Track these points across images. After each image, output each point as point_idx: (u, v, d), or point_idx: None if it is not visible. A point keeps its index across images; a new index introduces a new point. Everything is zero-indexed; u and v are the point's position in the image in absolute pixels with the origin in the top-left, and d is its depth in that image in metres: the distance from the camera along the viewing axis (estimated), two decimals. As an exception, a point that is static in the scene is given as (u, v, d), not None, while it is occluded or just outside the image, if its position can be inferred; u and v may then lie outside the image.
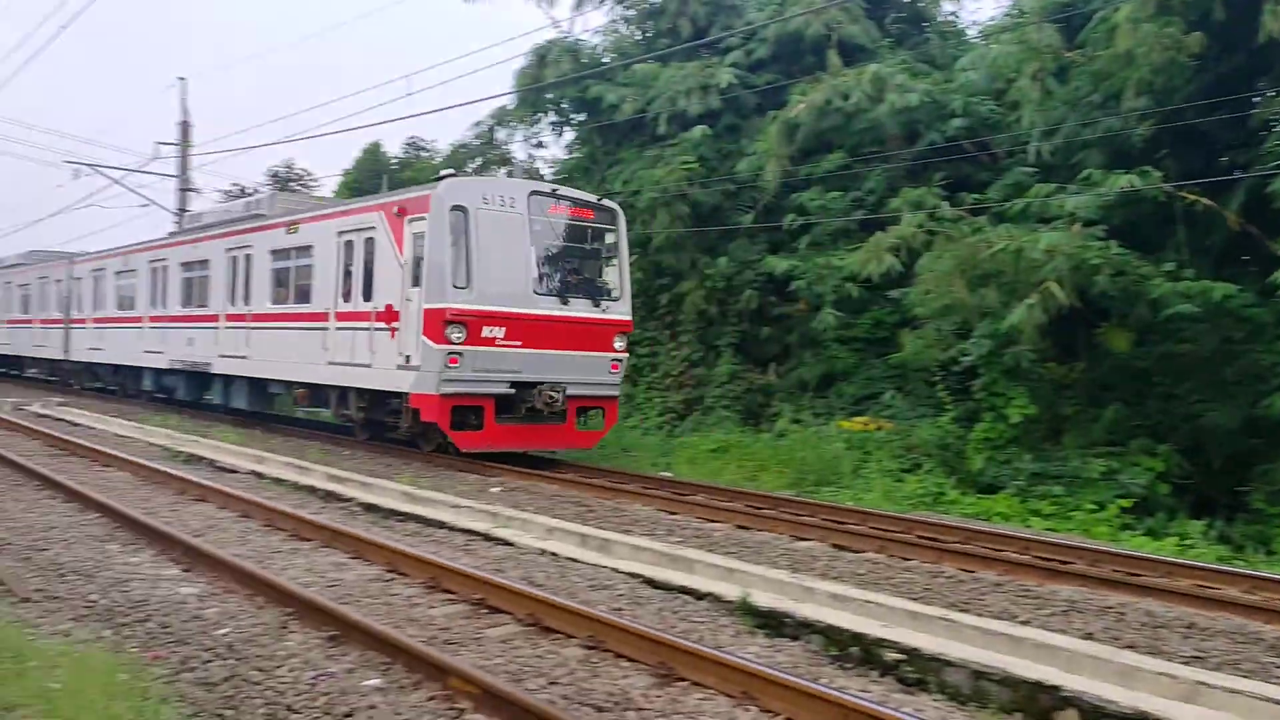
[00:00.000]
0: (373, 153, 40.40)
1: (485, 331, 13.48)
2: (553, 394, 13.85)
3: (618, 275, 15.07)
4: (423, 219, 13.82)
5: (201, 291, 20.49)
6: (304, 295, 16.76)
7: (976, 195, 15.21)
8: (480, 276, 13.55)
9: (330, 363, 15.73)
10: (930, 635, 6.24)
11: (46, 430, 17.62)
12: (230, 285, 19.11)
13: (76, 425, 19.50)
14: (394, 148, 41.66)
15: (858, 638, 6.24)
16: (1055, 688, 5.18)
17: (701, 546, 9.54)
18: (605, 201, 15.64)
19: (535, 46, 22.24)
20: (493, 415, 13.88)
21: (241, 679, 5.50)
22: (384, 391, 14.77)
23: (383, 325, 14.53)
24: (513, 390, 13.87)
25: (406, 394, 14.00)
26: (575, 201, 15.09)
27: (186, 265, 21.30)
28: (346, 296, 15.56)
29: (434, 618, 6.85)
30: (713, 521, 10.91)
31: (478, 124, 24.74)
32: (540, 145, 25.07)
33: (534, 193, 14.56)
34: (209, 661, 5.82)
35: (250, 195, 21.95)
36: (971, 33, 20.51)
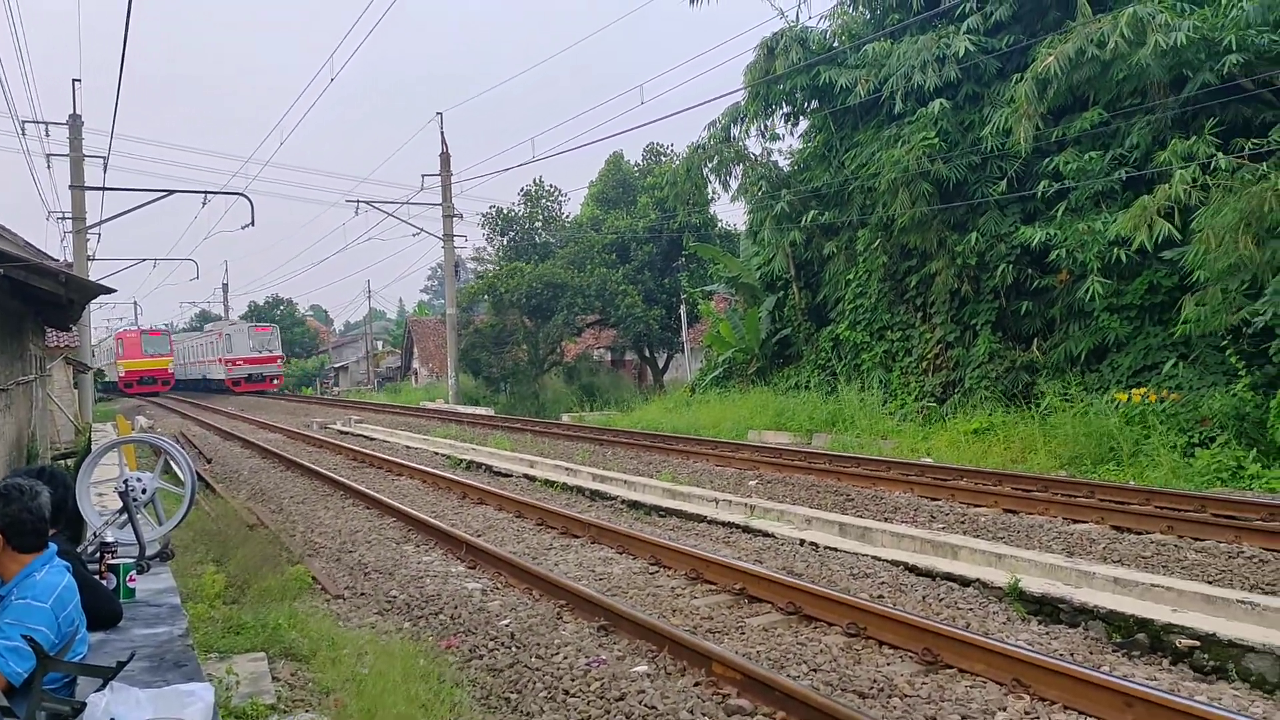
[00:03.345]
0: (615, 163, 41.78)
1: (239, 363, 53.73)
2: (258, 376, 54.27)
3: (277, 341, 56.51)
4: (216, 334, 57.05)
5: (193, 353, 61.67)
6: (211, 352, 57.41)
7: (1256, 141, 13.72)
8: (234, 349, 53.78)
9: (221, 372, 55.27)
10: (1228, 619, 5.75)
11: (348, 445, 19.50)
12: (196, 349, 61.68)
13: (372, 440, 21.42)
14: (634, 154, 42.90)
15: (1144, 624, 5.85)
16: (1379, 675, 4.65)
17: (966, 532, 9.24)
18: (270, 324, 59.72)
19: (763, 40, 22.22)
20: (245, 384, 53.63)
21: (523, 665, 5.91)
22: (220, 379, 54.91)
23: (219, 362, 55.19)
24: (248, 376, 53.85)
25: (223, 379, 54.15)
26: (261, 322, 59.85)
27: (192, 343, 63.06)
28: (214, 351, 56.47)
29: (697, 607, 7.04)
30: (977, 506, 10.52)
31: (712, 124, 24.98)
32: (775, 138, 24.95)
33: (250, 325, 56.96)
34: (494, 649, 6.29)
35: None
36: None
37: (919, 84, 18.62)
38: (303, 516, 11.79)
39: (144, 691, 2.89)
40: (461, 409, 30.27)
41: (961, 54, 18.36)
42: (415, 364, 56.82)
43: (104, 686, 3.00)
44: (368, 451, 18.19)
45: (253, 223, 27.75)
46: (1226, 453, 12.27)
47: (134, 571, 4.79)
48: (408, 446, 19.68)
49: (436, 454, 17.94)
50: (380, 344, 70.70)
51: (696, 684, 5.34)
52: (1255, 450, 12.25)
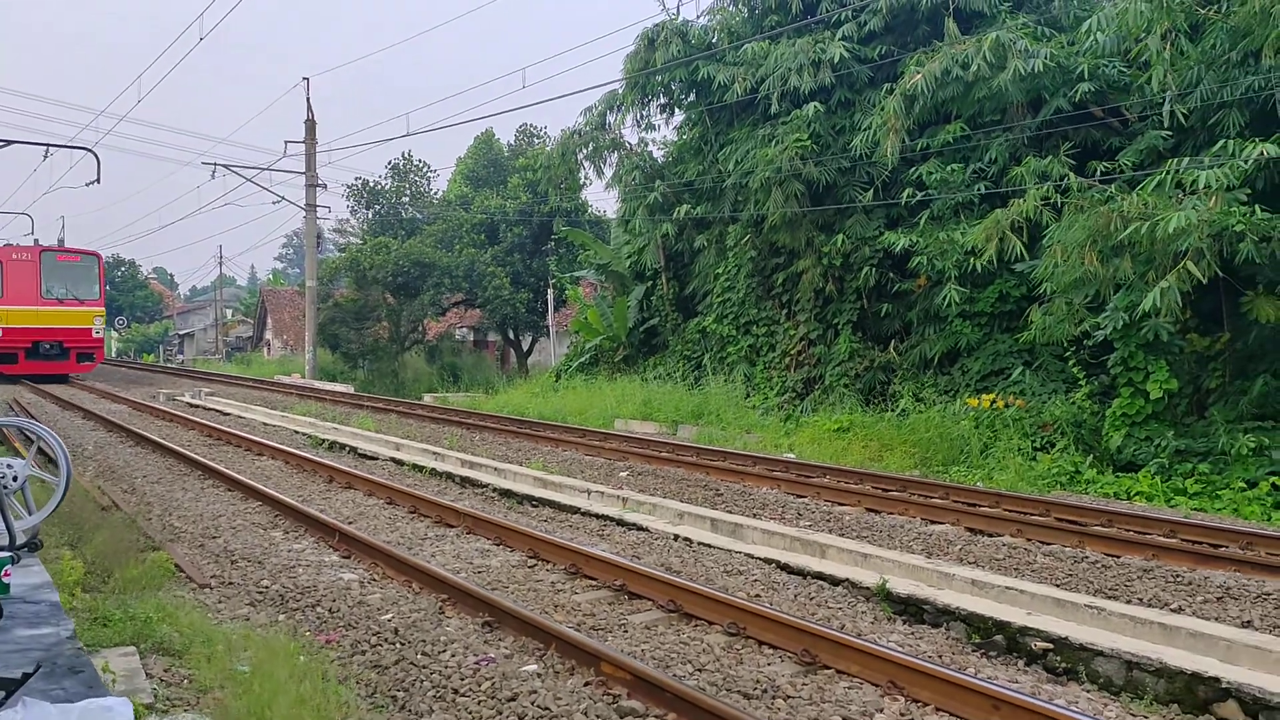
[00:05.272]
0: (486, 141, 41.25)
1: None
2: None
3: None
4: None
5: None
6: None
7: (1107, 164, 14.69)
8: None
9: None
10: (1077, 623, 6.21)
11: (200, 420, 18.70)
12: None
13: (226, 415, 20.61)
14: (507, 135, 42.46)
15: (1001, 626, 6.25)
16: (1215, 679, 5.11)
17: (832, 530, 9.61)
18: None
19: (644, 31, 22.35)
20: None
21: (409, 663, 5.87)
22: None
23: None
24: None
25: None
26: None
27: None
28: None
29: (579, 603, 7.12)
30: (841, 505, 10.94)
31: (588, 109, 24.97)
32: (651, 128, 25.14)
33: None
34: (377, 645, 6.21)
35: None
36: (1097, -8, 19.68)
37: (795, 86, 19.09)
38: (159, 498, 11.28)
39: (56, 707, 2.77)
40: (320, 385, 29.43)
41: (836, 60, 18.93)
42: (269, 335, 54.78)
43: (7, 698, 2.86)
44: (223, 428, 17.50)
45: (98, 180, 26.30)
46: (1065, 458, 13.15)
47: (9, 566, 4.54)
48: (265, 424, 19.03)
49: (297, 433, 17.42)
50: (230, 312, 67.88)
51: (587, 684, 5.42)
52: (1091, 456, 13.16)
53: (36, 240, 32.79)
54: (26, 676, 2.89)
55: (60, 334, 29.46)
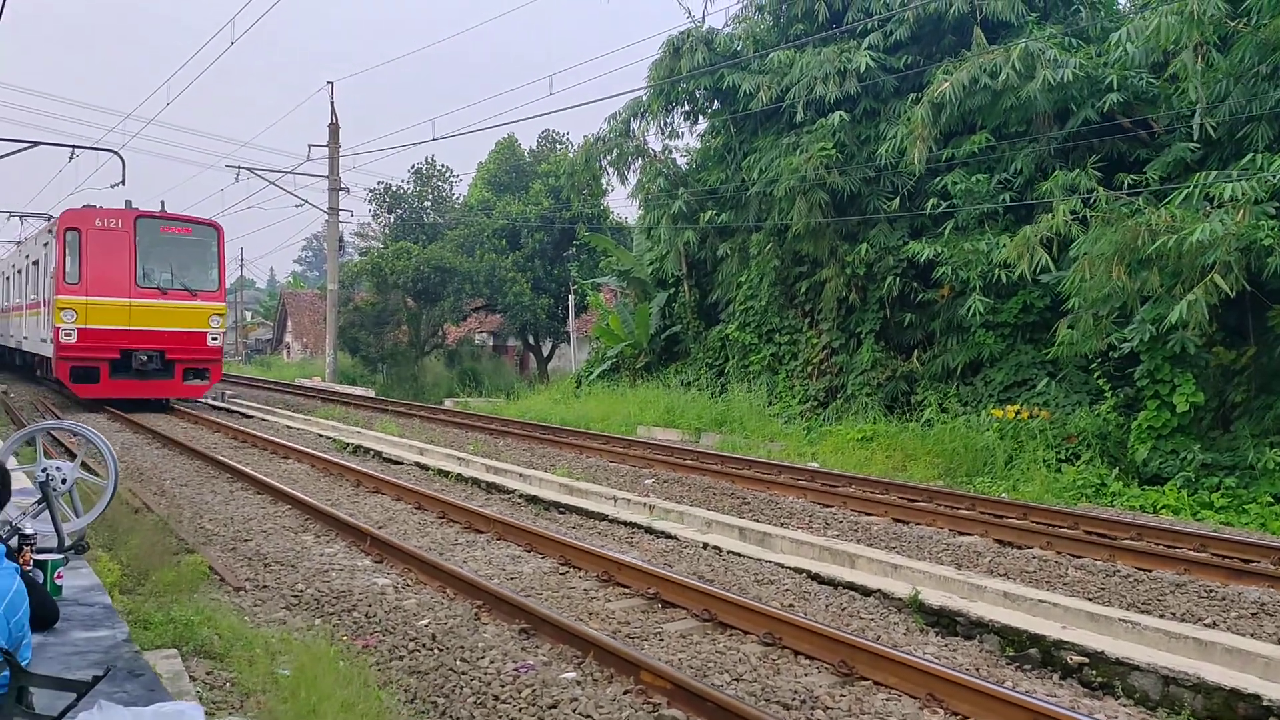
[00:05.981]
0: (508, 146, 41.40)
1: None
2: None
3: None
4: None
5: None
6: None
7: (1135, 176, 14.64)
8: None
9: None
10: (1112, 638, 6.20)
11: (224, 422, 18.85)
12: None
13: (249, 417, 20.75)
14: (529, 141, 42.61)
15: (1036, 639, 6.25)
16: (1255, 696, 5.10)
17: (860, 541, 9.62)
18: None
19: (670, 39, 22.41)
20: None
21: (448, 669, 5.91)
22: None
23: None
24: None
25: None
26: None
27: None
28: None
29: (613, 611, 7.15)
30: (869, 514, 10.94)
31: (612, 116, 25.05)
32: (675, 135, 25.19)
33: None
34: (415, 651, 6.26)
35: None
36: (1123, 3, 19.64)
37: (820, 95, 19.10)
38: (189, 500, 11.38)
39: (130, 711, 2.82)
40: (341, 388, 29.58)
41: (862, 69, 18.94)
42: (288, 338, 55.05)
43: (77, 702, 2.92)
44: (247, 430, 17.63)
45: (123, 182, 26.49)
46: (1091, 470, 13.11)
47: (61, 568, 4.61)
48: (289, 427, 19.15)
49: (321, 436, 17.53)
50: (249, 314, 68.25)
51: (626, 692, 5.45)
52: (1117, 469, 13.11)
53: (129, 202, 22.29)
54: (97, 679, 2.93)
55: (162, 339, 20.78)
